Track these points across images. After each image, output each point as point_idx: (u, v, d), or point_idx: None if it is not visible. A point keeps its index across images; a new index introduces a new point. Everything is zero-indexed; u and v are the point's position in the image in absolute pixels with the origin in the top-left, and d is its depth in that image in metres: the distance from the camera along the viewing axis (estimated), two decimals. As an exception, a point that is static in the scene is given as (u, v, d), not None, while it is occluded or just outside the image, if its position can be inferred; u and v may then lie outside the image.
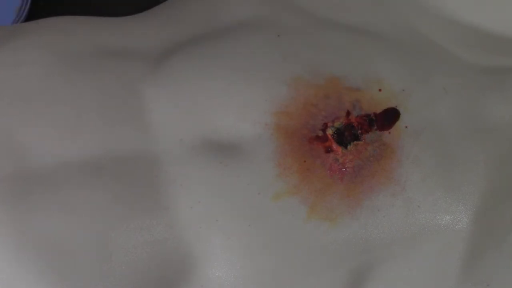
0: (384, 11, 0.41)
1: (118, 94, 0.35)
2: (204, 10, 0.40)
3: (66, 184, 0.33)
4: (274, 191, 0.34)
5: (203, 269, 0.33)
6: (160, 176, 0.34)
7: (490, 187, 0.36)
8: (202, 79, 0.36)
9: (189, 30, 0.39)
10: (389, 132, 0.35)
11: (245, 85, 0.35)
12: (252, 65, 0.36)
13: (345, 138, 0.35)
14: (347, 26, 0.40)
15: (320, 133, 0.35)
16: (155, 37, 0.39)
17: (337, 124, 0.35)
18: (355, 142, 0.35)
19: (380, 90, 0.36)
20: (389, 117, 0.36)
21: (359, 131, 0.35)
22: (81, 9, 0.59)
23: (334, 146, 0.34)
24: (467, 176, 0.36)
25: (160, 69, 0.37)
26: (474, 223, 0.35)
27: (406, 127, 0.36)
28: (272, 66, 0.36)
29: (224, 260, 0.33)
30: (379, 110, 0.36)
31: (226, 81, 0.35)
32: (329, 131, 0.35)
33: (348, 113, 0.35)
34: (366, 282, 0.35)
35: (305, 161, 0.34)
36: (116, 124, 0.34)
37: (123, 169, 0.34)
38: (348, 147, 0.35)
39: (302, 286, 0.34)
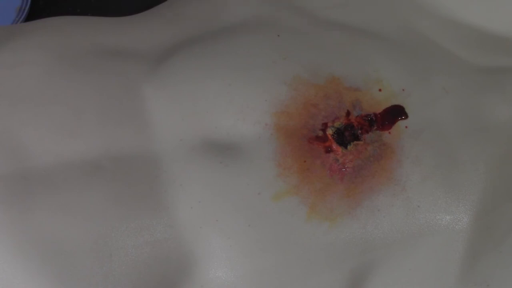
0: (384, 12, 0.41)
1: (118, 94, 0.35)
2: (204, 10, 0.40)
3: (66, 184, 0.33)
4: (274, 191, 0.34)
5: (203, 269, 0.33)
6: (160, 176, 0.34)
7: (490, 187, 0.36)
8: (202, 79, 0.36)
9: (189, 30, 0.39)
10: (389, 132, 0.35)
11: (245, 85, 0.35)
12: (252, 65, 0.36)
13: (345, 138, 0.35)
14: (347, 26, 0.40)
15: (320, 133, 0.35)
16: (155, 37, 0.39)
17: (337, 124, 0.35)
18: (355, 142, 0.35)
19: (380, 90, 0.36)
20: (395, 114, 0.36)
21: (359, 131, 0.35)
22: (81, 9, 0.59)
23: (334, 146, 0.34)
24: (467, 176, 0.36)
25: (160, 69, 0.37)
26: (474, 223, 0.36)
27: (406, 127, 0.36)
28: (272, 66, 0.36)
29: (224, 260, 0.33)
30: (379, 110, 0.36)
31: (226, 81, 0.35)
32: (329, 131, 0.35)
33: (348, 113, 0.35)
34: (366, 282, 0.35)
35: (305, 161, 0.34)
36: (116, 124, 0.34)
37: (123, 169, 0.34)
38: (348, 147, 0.35)
39: (302, 286, 0.34)
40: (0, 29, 0.39)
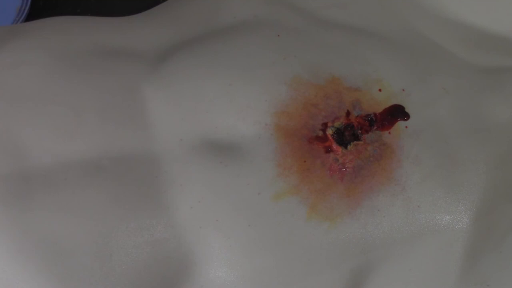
0: (384, 12, 0.41)
1: (117, 94, 0.35)
2: (204, 11, 0.40)
3: (66, 184, 0.33)
4: (274, 191, 0.34)
5: (203, 269, 0.34)
6: (160, 176, 0.34)
7: (490, 187, 0.36)
8: (202, 79, 0.36)
9: (189, 30, 0.39)
10: (389, 132, 0.36)
11: (245, 85, 0.35)
12: (252, 65, 0.36)
13: (345, 138, 0.35)
14: (347, 26, 0.40)
15: (320, 133, 0.35)
16: (155, 37, 0.39)
17: (337, 124, 0.35)
18: (355, 142, 0.35)
19: (380, 90, 0.36)
20: (395, 114, 0.36)
21: (359, 131, 0.35)
22: (81, 9, 0.59)
23: (334, 146, 0.34)
24: (467, 176, 0.36)
25: (160, 69, 0.37)
26: (474, 223, 0.36)
27: (406, 127, 0.36)
28: (272, 66, 0.36)
29: (224, 260, 0.33)
30: (379, 110, 0.36)
31: (226, 81, 0.35)
32: (329, 131, 0.35)
33: (348, 113, 0.35)
34: (366, 281, 0.35)
35: (305, 161, 0.34)
36: (116, 124, 0.34)
37: (123, 169, 0.34)
38: (348, 147, 0.35)
39: (302, 286, 0.34)
40: (0, 29, 0.39)
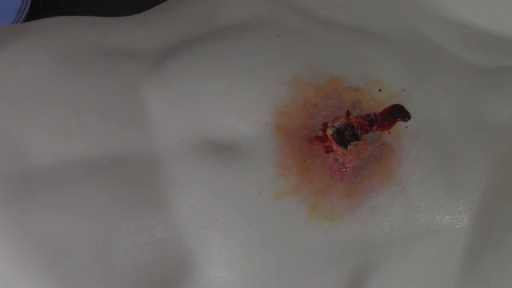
0: (384, 12, 0.41)
1: (118, 94, 0.35)
2: (204, 11, 0.40)
3: (66, 184, 0.33)
4: (274, 191, 0.34)
5: (203, 269, 0.34)
6: (160, 176, 0.34)
7: (490, 187, 0.36)
8: (202, 79, 0.36)
9: (189, 30, 0.39)
10: (389, 132, 0.36)
11: (245, 86, 0.35)
12: (252, 65, 0.36)
13: (345, 138, 0.35)
14: (347, 26, 0.40)
15: (320, 133, 0.35)
16: (155, 37, 0.39)
17: (337, 124, 0.35)
18: (355, 142, 0.35)
19: (380, 90, 0.36)
20: (395, 114, 0.36)
21: (359, 131, 0.35)
22: (81, 9, 0.59)
23: (334, 146, 0.34)
24: (467, 176, 0.36)
25: (160, 69, 0.37)
26: (474, 223, 0.36)
27: (406, 127, 0.36)
28: (272, 66, 0.36)
29: (224, 260, 0.33)
30: (379, 110, 0.36)
31: (226, 81, 0.35)
32: (329, 131, 0.35)
33: (348, 113, 0.35)
34: (366, 281, 0.35)
35: (305, 161, 0.34)
36: (116, 124, 0.34)
37: (123, 169, 0.34)
38: (348, 147, 0.35)
39: (302, 286, 0.34)
40: (0, 29, 0.39)
